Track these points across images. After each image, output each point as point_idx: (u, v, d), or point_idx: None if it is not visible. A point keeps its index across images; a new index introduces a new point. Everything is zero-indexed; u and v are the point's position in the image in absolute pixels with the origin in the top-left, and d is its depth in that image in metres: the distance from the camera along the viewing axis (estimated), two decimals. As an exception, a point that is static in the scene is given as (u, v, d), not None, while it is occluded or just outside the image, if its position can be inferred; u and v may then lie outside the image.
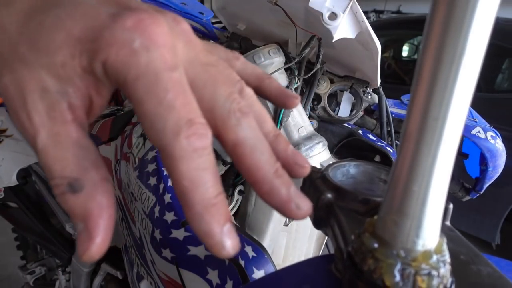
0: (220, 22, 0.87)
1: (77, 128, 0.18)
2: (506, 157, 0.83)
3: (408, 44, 3.11)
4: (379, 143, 0.72)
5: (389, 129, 0.77)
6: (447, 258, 0.19)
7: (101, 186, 0.18)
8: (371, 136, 0.73)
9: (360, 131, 0.73)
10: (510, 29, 2.25)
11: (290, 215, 0.21)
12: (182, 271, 0.50)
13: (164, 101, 0.18)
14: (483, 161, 0.81)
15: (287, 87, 0.64)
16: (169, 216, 0.55)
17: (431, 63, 0.16)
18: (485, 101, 2.16)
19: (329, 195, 0.28)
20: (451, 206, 0.26)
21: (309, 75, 0.68)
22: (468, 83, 0.16)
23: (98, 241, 0.18)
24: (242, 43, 0.79)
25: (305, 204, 0.21)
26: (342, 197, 0.27)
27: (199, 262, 0.50)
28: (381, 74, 0.72)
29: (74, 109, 0.19)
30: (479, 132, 0.78)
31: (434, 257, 0.19)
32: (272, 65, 0.65)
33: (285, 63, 0.66)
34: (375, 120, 0.80)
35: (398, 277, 0.19)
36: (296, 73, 0.66)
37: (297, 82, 0.66)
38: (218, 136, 0.21)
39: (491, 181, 0.84)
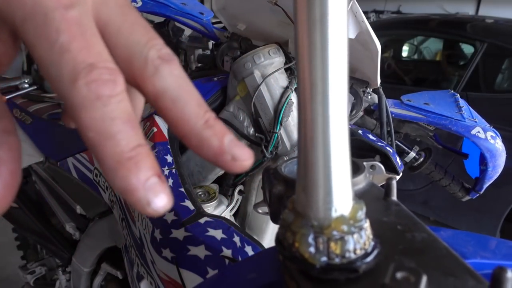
0: (220, 22, 0.87)
1: None
2: (506, 157, 0.83)
3: (408, 44, 3.11)
4: (379, 143, 0.72)
5: (389, 129, 0.77)
6: (363, 223, 0.19)
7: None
8: (371, 136, 0.73)
9: (360, 131, 0.73)
10: (510, 29, 2.25)
11: (226, 168, 0.18)
12: (182, 271, 0.50)
13: (56, 45, 0.15)
14: (483, 161, 0.81)
15: (287, 87, 0.64)
16: (169, 216, 0.55)
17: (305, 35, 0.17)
18: (485, 101, 2.16)
19: (280, 188, 0.28)
20: (394, 182, 0.27)
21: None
22: (339, 41, 0.16)
23: None
24: (242, 43, 0.79)
25: (242, 154, 0.18)
26: (291, 188, 0.27)
27: (199, 262, 0.50)
28: (381, 74, 0.72)
29: None
30: (479, 132, 0.78)
31: (347, 223, 0.19)
32: (272, 65, 0.65)
33: (285, 63, 0.66)
34: (375, 120, 0.80)
35: (312, 246, 0.19)
36: (296, 73, 0.67)
37: (297, 82, 0.66)
38: (138, 88, 0.18)
39: (491, 181, 0.84)
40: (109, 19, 0.18)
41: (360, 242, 0.19)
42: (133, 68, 0.18)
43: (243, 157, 0.18)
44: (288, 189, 0.28)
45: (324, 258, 0.19)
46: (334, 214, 0.19)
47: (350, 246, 0.19)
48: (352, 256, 0.19)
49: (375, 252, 0.20)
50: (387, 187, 0.27)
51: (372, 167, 0.42)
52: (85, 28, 0.16)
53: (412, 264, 0.19)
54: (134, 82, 0.18)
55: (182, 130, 0.18)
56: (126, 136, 0.16)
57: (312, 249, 0.19)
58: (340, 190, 0.19)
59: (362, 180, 0.28)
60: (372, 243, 0.20)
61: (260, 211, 0.37)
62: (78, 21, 0.16)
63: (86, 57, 0.15)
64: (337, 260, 0.19)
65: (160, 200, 0.15)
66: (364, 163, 0.31)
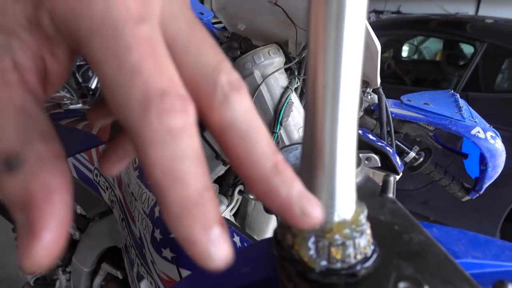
0: (220, 22, 0.87)
1: (23, 93, 0.14)
2: (506, 157, 0.83)
3: (408, 44, 3.11)
4: (379, 143, 0.72)
5: (389, 129, 0.77)
6: (365, 228, 0.19)
7: (49, 163, 0.14)
8: (371, 136, 0.73)
9: (360, 131, 0.73)
10: (510, 29, 2.25)
11: (294, 223, 0.16)
12: (182, 271, 0.50)
13: (126, 64, 0.13)
14: (483, 161, 0.81)
15: (287, 87, 0.64)
16: (169, 216, 0.55)
17: (316, 37, 0.16)
18: (485, 101, 2.16)
19: None
20: (391, 178, 0.26)
21: (309, 75, 0.68)
22: (354, 47, 0.15)
23: (46, 238, 0.13)
24: (242, 43, 0.79)
25: (312, 208, 0.16)
26: None
27: (199, 262, 0.50)
28: (381, 74, 0.72)
29: (20, 69, 0.14)
30: (478, 132, 0.78)
31: (349, 228, 0.19)
32: (272, 65, 0.65)
33: (285, 63, 0.66)
34: (375, 120, 0.81)
35: (312, 250, 0.19)
36: (296, 73, 0.66)
37: (297, 82, 0.66)
38: (201, 116, 0.16)
39: (491, 181, 0.84)
40: (176, 35, 0.16)
41: (360, 247, 0.19)
42: (199, 93, 0.15)
43: (313, 212, 0.16)
44: None
45: (324, 263, 0.19)
46: (337, 218, 0.19)
47: (351, 251, 0.19)
48: (352, 260, 0.19)
49: (374, 256, 0.19)
50: (384, 183, 0.26)
51: (368, 159, 0.42)
52: (156, 46, 0.14)
53: (410, 270, 0.19)
54: (198, 109, 0.15)
55: (248, 171, 0.16)
56: (194, 178, 0.14)
57: (312, 253, 0.19)
58: (344, 194, 0.18)
59: (359, 174, 0.28)
60: (372, 246, 0.20)
61: (251, 197, 0.37)
62: (149, 38, 0.14)
63: (158, 81, 0.14)
64: (337, 265, 0.18)
65: (222, 253, 0.14)
66: (360, 155, 0.31)
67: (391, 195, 0.26)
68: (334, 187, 0.18)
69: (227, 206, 0.66)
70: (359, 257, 0.19)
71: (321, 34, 0.15)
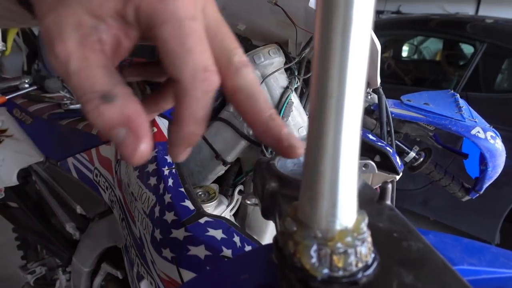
0: (220, 22, 0.87)
1: (104, 57, 0.21)
2: (506, 157, 0.83)
3: (408, 44, 3.11)
4: (379, 143, 0.72)
5: (389, 129, 0.77)
6: (366, 236, 0.19)
7: (131, 97, 0.20)
8: (371, 136, 0.73)
9: (360, 131, 0.73)
10: (510, 29, 2.25)
11: (283, 153, 0.24)
12: (182, 271, 0.50)
13: (185, 45, 0.20)
14: (483, 161, 0.81)
15: (287, 87, 0.64)
16: (169, 216, 0.55)
17: (322, 47, 0.16)
18: (485, 101, 2.16)
19: (273, 184, 0.28)
20: (389, 186, 0.27)
21: (309, 75, 0.68)
22: (359, 59, 0.16)
23: (146, 140, 0.20)
24: (242, 43, 0.80)
25: (296, 143, 0.23)
26: (285, 186, 0.27)
27: (199, 262, 0.50)
28: (381, 74, 0.72)
29: (103, 43, 0.21)
30: (478, 132, 0.78)
31: (351, 236, 0.19)
32: (272, 65, 0.65)
33: (285, 63, 0.66)
34: (375, 120, 0.80)
35: (314, 258, 0.19)
36: (296, 73, 0.66)
37: (297, 82, 0.66)
38: (221, 82, 0.23)
39: (491, 181, 0.84)
40: (209, 28, 0.23)
41: (362, 255, 0.19)
42: (220, 67, 0.23)
43: (297, 145, 0.24)
44: (282, 186, 0.27)
45: (326, 271, 0.19)
46: (339, 226, 0.19)
47: (353, 259, 0.19)
48: (354, 268, 0.19)
49: (374, 264, 0.20)
50: (382, 190, 0.27)
51: (365, 165, 0.42)
52: (202, 36, 0.22)
53: (410, 278, 0.19)
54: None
55: (252, 119, 0.24)
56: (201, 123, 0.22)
57: (314, 261, 0.19)
58: (346, 202, 0.19)
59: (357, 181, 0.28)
60: (372, 255, 0.20)
61: (248, 202, 0.37)
62: (198, 30, 0.21)
63: (203, 60, 0.21)
64: (339, 273, 0.19)
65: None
66: None
67: (389, 202, 0.27)
68: (336, 195, 0.18)
69: (227, 206, 0.66)
70: (360, 265, 0.19)
71: (327, 47, 0.16)
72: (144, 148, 0.20)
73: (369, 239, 0.20)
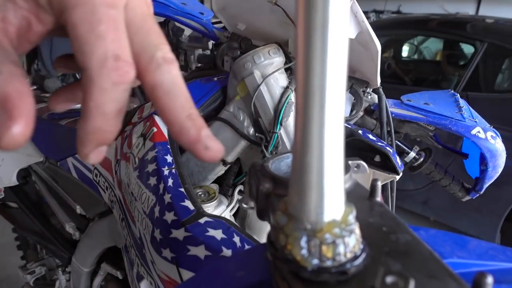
0: (220, 22, 0.87)
1: (2, 35, 0.20)
2: (506, 157, 0.83)
3: (408, 44, 3.11)
4: (379, 143, 0.72)
5: (389, 129, 0.77)
6: (354, 227, 0.20)
7: (18, 78, 0.19)
8: (371, 136, 0.73)
9: (360, 131, 0.73)
10: (510, 29, 2.25)
11: (199, 155, 0.22)
12: (182, 271, 0.50)
13: (95, 30, 0.19)
14: (483, 161, 0.81)
15: (287, 87, 0.64)
16: (169, 216, 0.55)
17: (304, 40, 0.17)
18: (485, 101, 2.16)
19: (267, 185, 0.28)
20: (378, 183, 0.27)
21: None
22: (339, 54, 0.17)
23: (21, 122, 0.18)
24: (242, 43, 0.79)
25: (214, 145, 0.22)
26: (279, 186, 0.28)
27: (199, 262, 0.50)
28: (381, 74, 0.72)
29: (6, 22, 0.20)
30: (479, 132, 0.78)
31: (339, 227, 0.19)
32: (272, 65, 0.65)
33: (285, 63, 0.66)
34: (375, 120, 0.80)
35: (304, 249, 0.19)
36: (294, 76, 0.66)
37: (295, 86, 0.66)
38: (139, 78, 0.22)
39: (491, 181, 0.84)
40: (131, 21, 0.22)
41: (350, 246, 0.20)
42: (140, 61, 0.22)
43: (215, 148, 0.22)
44: (275, 186, 0.28)
45: (315, 261, 0.19)
46: (327, 218, 0.19)
47: (341, 250, 0.19)
48: (343, 259, 0.19)
49: (363, 255, 0.20)
50: (372, 188, 0.27)
51: (357, 166, 0.43)
52: (118, 25, 0.20)
53: (398, 266, 0.20)
54: (138, 73, 0.22)
55: (168, 117, 0.22)
56: (113, 122, 0.21)
57: (304, 252, 0.19)
58: (333, 194, 0.19)
59: (348, 180, 0.29)
60: (361, 246, 0.20)
61: (244, 206, 0.38)
62: (115, 18, 0.20)
63: (115, 48, 0.20)
64: (328, 263, 0.19)
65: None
66: (349, 162, 0.31)
67: (378, 198, 0.27)
68: (323, 188, 0.19)
69: (227, 206, 0.66)
70: (349, 255, 0.20)
71: (308, 44, 0.17)
72: (17, 131, 0.18)
73: (357, 231, 0.20)
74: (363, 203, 0.27)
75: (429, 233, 0.29)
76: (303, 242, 0.19)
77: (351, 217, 0.20)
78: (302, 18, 0.17)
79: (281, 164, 0.31)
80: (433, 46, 3.08)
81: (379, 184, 0.27)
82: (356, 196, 0.27)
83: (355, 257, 0.20)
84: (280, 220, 0.21)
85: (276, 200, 0.27)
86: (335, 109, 0.17)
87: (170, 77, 0.22)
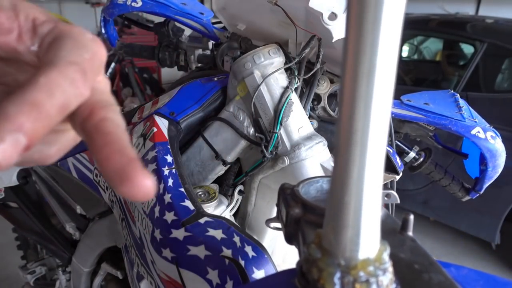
0: (220, 22, 0.87)
1: None
2: (506, 157, 0.83)
3: (408, 44, 3.11)
4: (379, 143, 0.72)
5: (389, 129, 0.77)
6: (387, 266, 0.20)
7: None
8: (371, 136, 0.73)
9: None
10: (510, 29, 2.25)
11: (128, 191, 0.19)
12: (182, 271, 0.50)
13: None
14: (483, 161, 0.81)
15: (287, 87, 0.64)
16: (169, 216, 0.55)
17: (350, 84, 0.17)
18: (485, 101, 2.16)
19: (297, 210, 0.28)
20: (411, 217, 0.27)
21: (309, 75, 0.68)
22: (383, 99, 0.17)
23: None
24: (242, 43, 0.79)
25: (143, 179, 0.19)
26: (309, 212, 0.28)
27: (199, 262, 0.50)
28: (381, 74, 0.72)
29: None
30: (479, 132, 0.78)
31: (373, 265, 0.20)
32: (272, 65, 0.65)
33: (285, 63, 0.66)
34: (375, 120, 0.80)
35: (338, 285, 0.20)
36: (296, 73, 0.66)
37: (297, 82, 0.66)
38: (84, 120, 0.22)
39: (491, 181, 0.84)
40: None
41: (383, 285, 0.20)
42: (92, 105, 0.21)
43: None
44: (305, 212, 0.28)
45: None
46: (362, 255, 0.20)
47: None
48: None
49: None
50: (403, 222, 0.28)
51: (387, 195, 0.43)
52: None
53: None
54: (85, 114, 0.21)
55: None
56: None
57: None
58: (369, 233, 0.19)
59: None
60: (394, 285, 0.21)
61: (271, 226, 0.39)
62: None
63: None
64: None
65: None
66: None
67: (410, 233, 0.27)
68: (360, 226, 0.19)
69: (227, 206, 0.66)
70: None
71: (354, 86, 0.17)
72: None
73: (391, 269, 0.21)
74: (394, 237, 0.27)
75: (460, 272, 0.29)
76: (336, 278, 0.20)
77: (385, 256, 0.20)
78: (349, 62, 0.17)
79: (310, 189, 0.32)
80: (433, 46, 3.07)
81: (411, 218, 0.27)
82: (387, 228, 0.27)
83: None
84: (314, 253, 0.21)
85: (306, 227, 0.27)
86: (377, 150, 0.18)
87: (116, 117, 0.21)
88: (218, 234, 0.52)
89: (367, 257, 0.20)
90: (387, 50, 0.17)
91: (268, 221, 0.40)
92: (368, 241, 0.19)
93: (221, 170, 0.70)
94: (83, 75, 0.19)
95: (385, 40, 0.17)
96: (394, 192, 0.43)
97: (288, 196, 0.30)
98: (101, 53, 0.22)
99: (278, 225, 0.34)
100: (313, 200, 0.29)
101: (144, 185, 0.18)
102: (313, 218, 0.28)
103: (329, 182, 0.31)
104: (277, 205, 0.33)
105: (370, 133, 0.17)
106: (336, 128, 0.19)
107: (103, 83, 0.23)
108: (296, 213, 0.28)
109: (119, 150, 0.19)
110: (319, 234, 0.21)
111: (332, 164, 0.57)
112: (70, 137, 0.24)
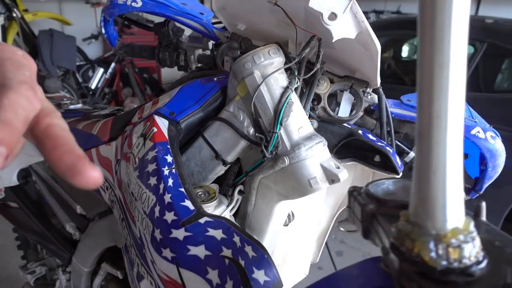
0: (220, 22, 0.87)
1: None
2: (506, 157, 0.83)
3: (408, 44, 3.11)
4: (379, 143, 0.72)
5: (389, 129, 0.77)
6: (475, 235, 0.23)
7: None
8: (371, 136, 0.73)
9: (360, 131, 0.73)
10: (510, 29, 2.25)
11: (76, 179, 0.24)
12: (182, 271, 0.50)
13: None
14: (483, 161, 0.81)
15: (287, 87, 0.64)
16: (169, 216, 0.55)
17: (428, 76, 0.20)
18: (485, 101, 2.16)
19: (372, 206, 0.32)
20: (483, 204, 0.31)
21: (309, 75, 0.68)
22: (457, 85, 0.20)
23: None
24: (242, 43, 0.79)
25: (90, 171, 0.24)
26: (383, 206, 0.31)
27: (199, 262, 0.50)
28: (381, 74, 0.72)
29: None
30: (478, 132, 0.78)
31: (462, 234, 0.22)
32: (272, 65, 0.65)
33: (285, 63, 0.66)
34: (375, 120, 0.80)
35: (433, 252, 0.22)
36: (296, 73, 0.66)
37: (297, 82, 0.66)
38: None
39: (491, 181, 0.84)
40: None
41: (474, 251, 0.22)
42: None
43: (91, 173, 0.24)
44: (379, 206, 0.32)
45: (444, 262, 0.22)
46: (450, 225, 0.22)
47: (466, 253, 0.22)
48: (468, 262, 0.22)
49: (485, 260, 0.23)
50: (476, 208, 0.31)
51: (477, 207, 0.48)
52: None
53: None
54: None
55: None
56: None
57: (433, 254, 0.22)
58: (456, 204, 0.22)
59: None
60: (482, 253, 0.23)
61: (342, 229, 0.44)
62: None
63: None
64: (455, 265, 0.22)
65: None
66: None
67: (484, 218, 0.31)
68: (446, 198, 0.22)
69: (227, 206, 0.66)
70: (473, 259, 0.22)
71: (432, 79, 0.21)
72: None
73: (478, 238, 0.23)
74: None
75: None
76: (431, 245, 0.22)
77: (472, 226, 0.23)
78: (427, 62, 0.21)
79: (378, 189, 0.35)
80: (433, 46, 3.07)
81: (484, 205, 0.31)
82: None
83: (479, 262, 0.22)
84: (405, 228, 0.24)
85: (382, 219, 0.31)
86: (455, 131, 0.21)
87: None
88: (218, 234, 0.52)
89: (455, 227, 0.22)
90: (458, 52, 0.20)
91: (340, 224, 0.45)
92: (455, 212, 0.22)
93: (221, 170, 0.70)
94: (33, 91, 0.24)
95: (455, 42, 0.20)
96: (483, 203, 0.48)
97: (360, 195, 0.34)
98: (34, 66, 0.27)
99: (350, 227, 0.39)
100: (384, 196, 0.33)
101: (93, 176, 0.24)
102: (388, 211, 0.31)
103: (394, 184, 0.36)
104: (349, 206, 0.36)
105: (449, 116, 0.20)
106: (418, 115, 0.22)
107: (40, 92, 0.27)
108: (371, 209, 0.31)
109: (69, 150, 0.24)
110: (406, 213, 0.24)
111: (332, 164, 0.58)
112: (20, 143, 0.28)
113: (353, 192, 0.35)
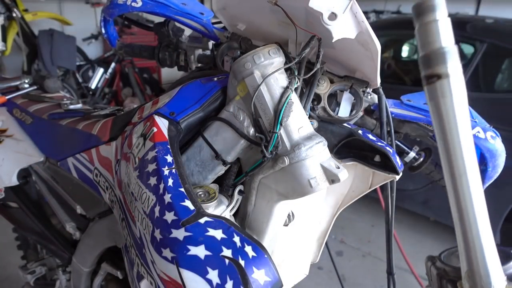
0: (220, 22, 0.87)
1: None
2: (506, 157, 0.83)
3: (408, 44, 3.11)
4: (379, 143, 0.72)
5: (389, 129, 0.77)
6: None
7: None
8: (371, 136, 0.73)
9: (360, 131, 0.73)
10: (510, 29, 2.25)
11: None
12: (182, 271, 0.50)
13: None
14: (483, 161, 0.81)
15: (287, 87, 0.64)
16: (169, 216, 0.55)
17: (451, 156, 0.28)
18: (485, 101, 2.16)
19: (443, 274, 0.43)
20: None
21: (309, 75, 0.68)
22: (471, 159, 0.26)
23: None
24: (242, 43, 0.80)
25: None
26: (450, 273, 0.42)
27: (199, 262, 0.50)
28: (381, 74, 0.72)
29: None
30: (478, 132, 0.78)
31: None
32: (272, 65, 0.65)
33: (285, 63, 0.66)
34: (375, 120, 0.80)
35: None
36: (296, 73, 0.66)
37: (297, 82, 0.66)
38: None
39: (491, 181, 0.84)
40: None
41: None
42: None
43: None
44: (446, 273, 0.42)
45: None
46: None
47: None
48: None
49: None
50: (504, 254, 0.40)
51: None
52: None
53: None
54: None
55: None
56: None
57: None
58: (495, 275, 0.29)
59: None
60: None
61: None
62: None
63: None
64: None
65: None
66: None
67: None
68: (487, 270, 0.32)
69: (227, 206, 0.66)
70: None
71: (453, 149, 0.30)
72: None
73: None
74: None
75: None
76: None
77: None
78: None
79: (451, 257, 0.45)
80: (433, 46, 3.07)
81: None
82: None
83: None
84: None
85: (448, 283, 0.40)
86: (482, 217, 0.31)
87: None
88: (218, 234, 0.52)
89: None
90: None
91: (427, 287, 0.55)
92: (496, 281, 0.29)
93: (221, 170, 0.70)
94: None
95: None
96: None
97: (436, 263, 0.45)
98: None
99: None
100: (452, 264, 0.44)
101: None
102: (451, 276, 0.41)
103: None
104: (427, 273, 0.49)
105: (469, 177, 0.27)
106: (446, 179, 0.28)
107: None
108: (442, 276, 0.42)
109: None
110: (461, 283, 0.32)
111: (332, 164, 0.59)
112: None
113: (429, 260, 0.46)
